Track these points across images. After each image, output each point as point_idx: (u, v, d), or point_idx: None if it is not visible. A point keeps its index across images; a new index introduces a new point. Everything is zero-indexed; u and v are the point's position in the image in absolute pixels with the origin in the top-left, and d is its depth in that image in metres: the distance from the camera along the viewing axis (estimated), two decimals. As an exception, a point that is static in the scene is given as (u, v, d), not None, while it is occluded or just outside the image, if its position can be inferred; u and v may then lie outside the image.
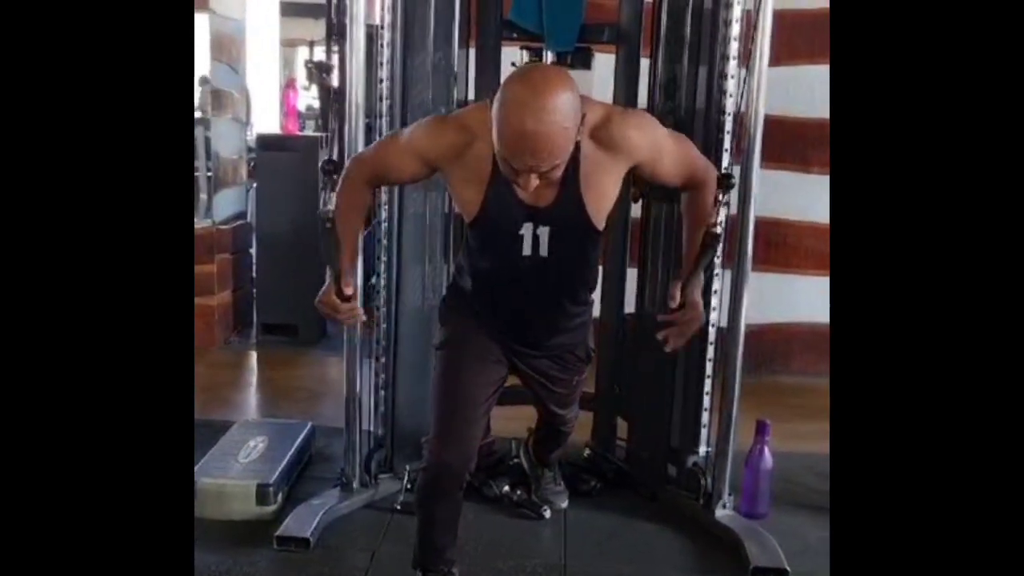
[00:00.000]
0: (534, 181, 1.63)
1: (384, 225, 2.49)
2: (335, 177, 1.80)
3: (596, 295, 2.19)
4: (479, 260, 1.91)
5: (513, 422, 2.64)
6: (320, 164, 1.80)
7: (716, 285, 2.43)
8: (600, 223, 1.82)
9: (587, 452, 2.79)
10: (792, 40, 3.47)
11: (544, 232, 1.79)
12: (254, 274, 4.43)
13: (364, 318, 1.97)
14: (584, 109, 1.66)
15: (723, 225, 1.77)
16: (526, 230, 1.79)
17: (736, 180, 1.76)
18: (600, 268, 2.18)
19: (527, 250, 1.81)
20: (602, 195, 1.79)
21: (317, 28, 5.69)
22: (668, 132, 1.87)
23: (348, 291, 1.79)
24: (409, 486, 2.45)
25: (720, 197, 1.76)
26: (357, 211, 1.89)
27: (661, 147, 1.82)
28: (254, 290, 4.40)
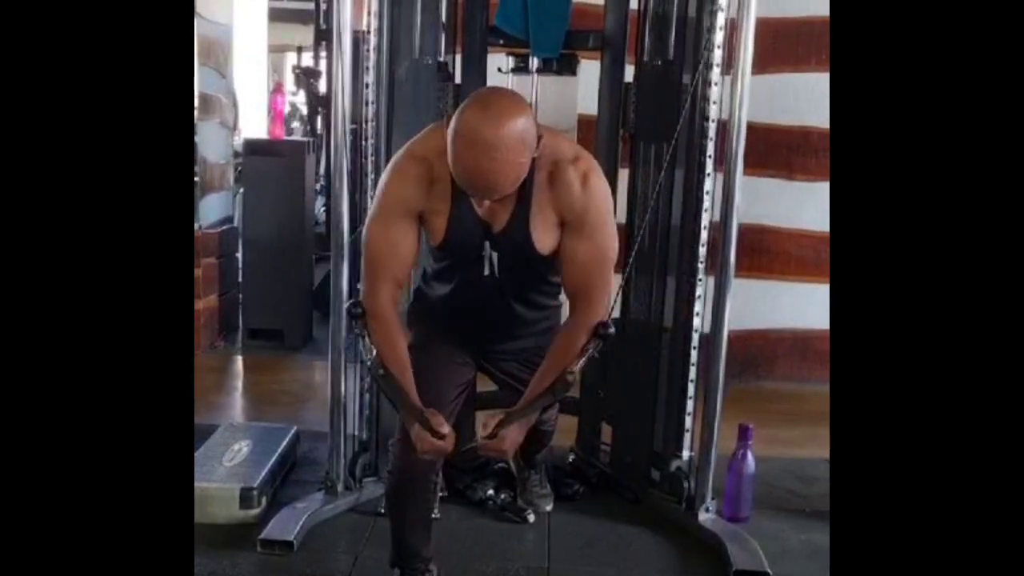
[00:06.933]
0: (488, 200, 1.68)
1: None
2: (364, 320, 1.74)
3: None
4: (442, 274, 1.93)
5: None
6: (346, 308, 1.74)
7: (700, 291, 2.45)
8: (548, 251, 1.80)
9: (571, 456, 2.80)
10: (776, 48, 3.50)
11: (496, 256, 1.81)
12: (240, 279, 4.42)
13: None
14: (548, 139, 1.67)
15: (578, 375, 1.72)
16: (487, 251, 1.81)
17: (613, 332, 1.72)
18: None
19: (487, 270, 1.83)
20: (548, 228, 1.78)
21: (305, 34, 5.72)
22: (611, 231, 1.78)
23: (444, 430, 1.73)
24: (393, 489, 2.44)
25: (590, 346, 1.71)
26: (400, 337, 1.82)
27: (588, 223, 1.75)
28: (240, 295, 4.39)
